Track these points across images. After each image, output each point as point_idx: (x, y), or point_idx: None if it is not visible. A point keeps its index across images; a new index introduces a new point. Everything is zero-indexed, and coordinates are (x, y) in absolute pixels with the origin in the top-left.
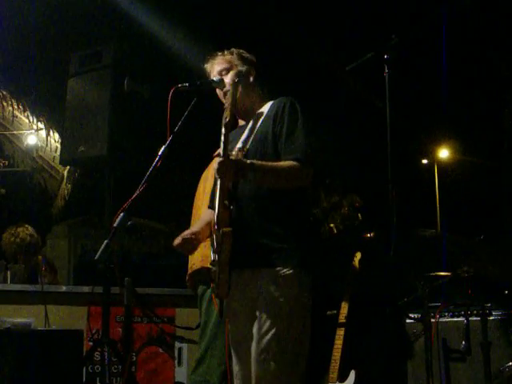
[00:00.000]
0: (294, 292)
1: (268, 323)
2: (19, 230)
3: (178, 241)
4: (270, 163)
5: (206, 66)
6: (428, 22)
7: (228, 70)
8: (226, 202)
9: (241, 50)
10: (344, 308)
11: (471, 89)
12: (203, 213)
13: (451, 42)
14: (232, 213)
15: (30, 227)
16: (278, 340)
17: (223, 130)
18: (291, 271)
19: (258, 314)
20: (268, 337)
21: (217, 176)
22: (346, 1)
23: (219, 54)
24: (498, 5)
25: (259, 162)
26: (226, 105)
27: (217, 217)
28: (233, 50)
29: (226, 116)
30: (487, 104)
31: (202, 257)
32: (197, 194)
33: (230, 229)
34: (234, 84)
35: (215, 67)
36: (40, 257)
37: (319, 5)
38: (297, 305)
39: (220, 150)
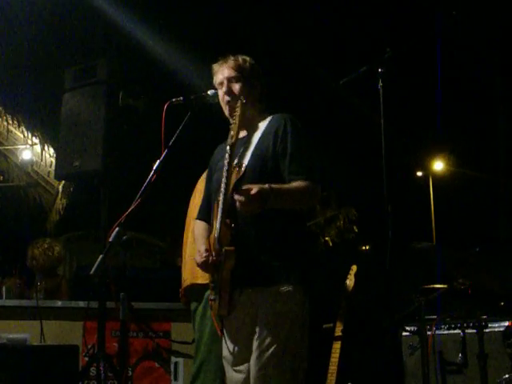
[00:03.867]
0: (293, 309)
1: (268, 340)
2: (52, 244)
3: (202, 263)
4: (284, 186)
5: (214, 65)
6: (422, 36)
7: (238, 79)
8: (228, 221)
9: (254, 62)
10: (340, 323)
11: (466, 102)
12: (195, 226)
13: (445, 56)
14: (233, 231)
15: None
16: (278, 356)
17: (228, 151)
18: (290, 288)
19: (257, 330)
20: (268, 353)
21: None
22: (340, 15)
23: (232, 57)
24: (490, 20)
25: (276, 186)
26: (233, 125)
27: (219, 235)
28: (247, 58)
29: (233, 136)
30: (481, 117)
31: (193, 273)
32: (189, 208)
33: (233, 248)
34: (242, 105)
35: (225, 70)
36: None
37: (313, 19)
38: (296, 321)
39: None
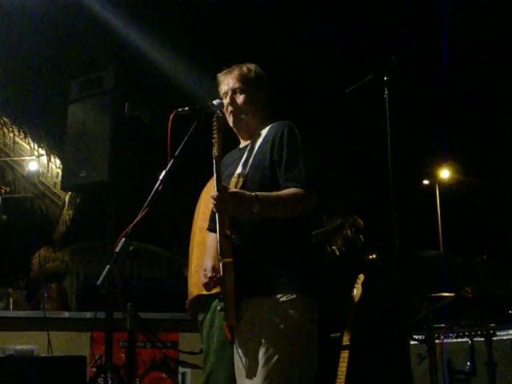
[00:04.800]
0: (296, 318)
1: (272, 349)
2: (49, 256)
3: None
4: (274, 193)
5: (219, 75)
6: (427, 44)
7: (241, 91)
8: (228, 232)
9: (259, 71)
10: (347, 332)
11: (472, 110)
12: (208, 237)
13: (451, 64)
14: (233, 242)
15: (58, 253)
16: (282, 365)
17: (214, 163)
18: (293, 297)
19: (262, 340)
20: (272, 363)
21: (215, 211)
22: (345, 23)
23: (237, 67)
24: (496, 26)
25: (264, 194)
26: (214, 140)
27: (219, 247)
28: (251, 66)
29: (215, 151)
30: (488, 125)
31: (199, 285)
32: (194, 219)
33: (231, 259)
34: (218, 118)
35: (229, 80)
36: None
37: (319, 28)
38: (300, 330)
39: (214, 183)
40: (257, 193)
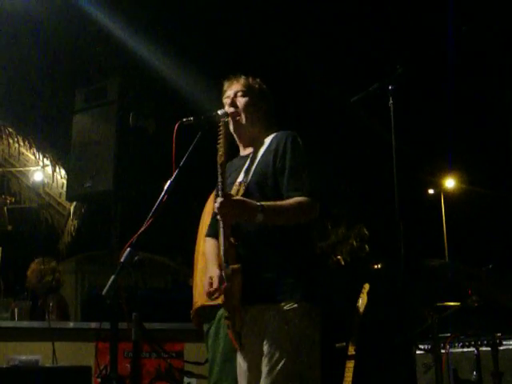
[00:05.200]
0: (299, 326)
1: (275, 358)
2: (45, 269)
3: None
4: (278, 203)
5: (224, 82)
6: (433, 52)
7: (244, 94)
8: (232, 240)
9: (263, 85)
10: (353, 342)
11: (477, 119)
12: (206, 244)
13: (457, 72)
14: (238, 249)
15: (54, 263)
16: (286, 374)
17: (219, 168)
18: (296, 305)
19: (265, 348)
20: (276, 372)
21: (219, 218)
22: (351, 32)
23: (243, 76)
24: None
25: (268, 204)
26: (219, 145)
27: (224, 254)
28: (257, 79)
29: (220, 156)
30: (493, 134)
31: (204, 295)
32: (199, 230)
33: (239, 265)
34: (225, 124)
35: (234, 86)
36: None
37: (324, 37)
38: (303, 338)
39: (219, 191)
40: (262, 202)
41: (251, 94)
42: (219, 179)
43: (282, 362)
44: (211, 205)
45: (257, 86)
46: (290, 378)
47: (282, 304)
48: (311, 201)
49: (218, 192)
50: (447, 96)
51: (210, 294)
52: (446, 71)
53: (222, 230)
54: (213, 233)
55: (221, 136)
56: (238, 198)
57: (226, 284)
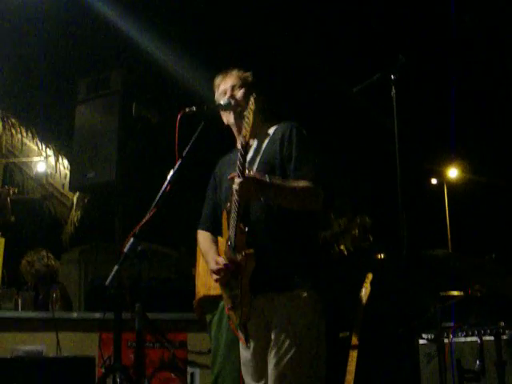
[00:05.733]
0: (308, 315)
1: (284, 347)
2: (35, 258)
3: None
4: (286, 182)
5: (216, 79)
6: (436, 42)
7: (241, 87)
8: (242, 226)
9: (255, 77)
10: (356, 332)
11: (480, 108)
12: (200, 237)
13: (460, 62)
14: (248, 237)
15: (47, 254)
16: (295, 364)
17: (241, 150)
18: (305, 294)
19: (273, 337)
20: (285, 361)
21: (237, 198)
22: (352, 22)
23: (235, 69)
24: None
25: (277, 181)
26: (245, 127)
27: (234, 240)
28: (249, 72)
29: (244, 135)
30: (496, 123)
31: (206, 285)
32: None
33: (253, 250)
34: (256, 100)
35: (227, 81)
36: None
37: (326, 27)
38: (312, 328)
39: (237, 172)
40: (271, 178)
41: (248, 85)
42: (239, 160)
43: (291, 352)
44: None
45: (250, 77)
46: (297, 368)
47: (292, 293)
48: (317, 188)
49: (238, 172)
50: (450, 85)
51: (218, 272)
52: (448, 60)
53: (234, 218)
54: (207, 226)
55: (249, 112)
56: (253, 176)
57: (232, 266)
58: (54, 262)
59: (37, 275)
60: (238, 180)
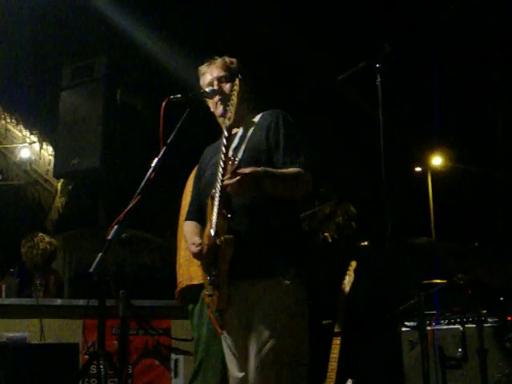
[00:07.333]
0: (291, 302)
1: (266, 334)
2: (36, 240)
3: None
4: (279, 170)
5: (201, 67)
6: (420, 31)
7: (227, 79)
8: (224, 212)
9: (239, 64)
10: (339, 319)
11: (464, 96)
12: (185, 226)
13: (444, 51)
14: (230, 222)
15: (45, 235)
16: (277, 351)
17: (225, 133)
18: (288, 282)
19: (255, 325)
20: (266, 348)
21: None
22: (338, 10)
23: (219, 58)
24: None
25: (270, 169)
26: (230, 109)
27: (216, 225)
28: (233, 59)
29: (229, 117)
30: (480, 112)
31: (188, 275)
32: (181, 208)
33: (233, 236)
34: (241, 83)
35: (213, 70)
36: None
37: (311, 14)
38: (294, 316)
39: (222, 155)
40: (265, 168)
41: (233, 76)
42: (224, 143)
43: (272, 340)
44: (191, 184)
45: (234, 65)
46: (279, 355)
47: (274, 279)
48: (307, 174)
49: (221, 156)
50: (434, 74)
51: (197, 254)
52: (432, 49)
53: (216, 204)
54: (190, 217)
55: (234, 95)
56: (247, 170)
57: (210, 244)
58: (53, 240)
59: (45, 253)
60: (230, 181)
